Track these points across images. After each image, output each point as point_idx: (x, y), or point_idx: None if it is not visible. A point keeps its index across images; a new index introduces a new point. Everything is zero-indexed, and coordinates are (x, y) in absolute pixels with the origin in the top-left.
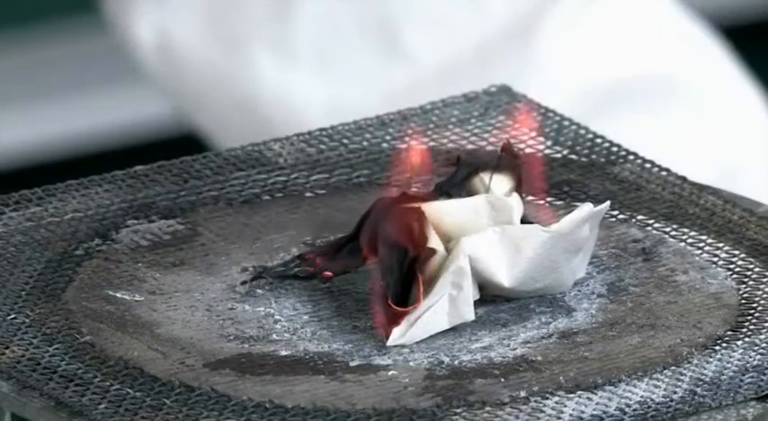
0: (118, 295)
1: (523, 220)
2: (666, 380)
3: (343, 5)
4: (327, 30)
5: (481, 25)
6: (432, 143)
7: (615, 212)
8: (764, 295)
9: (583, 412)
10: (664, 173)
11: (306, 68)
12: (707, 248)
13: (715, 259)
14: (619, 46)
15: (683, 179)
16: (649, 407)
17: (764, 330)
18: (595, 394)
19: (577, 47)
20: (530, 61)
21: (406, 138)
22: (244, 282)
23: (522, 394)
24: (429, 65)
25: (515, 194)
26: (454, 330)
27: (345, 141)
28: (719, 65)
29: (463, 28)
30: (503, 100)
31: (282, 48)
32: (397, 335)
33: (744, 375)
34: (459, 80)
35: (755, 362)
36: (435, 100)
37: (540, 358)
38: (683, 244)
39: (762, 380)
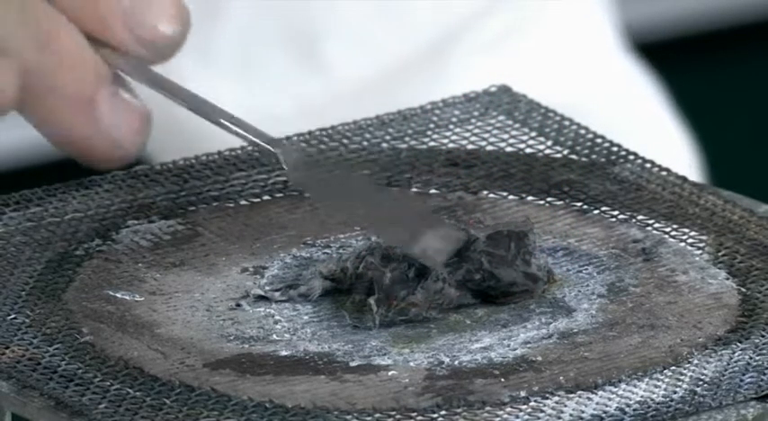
0: (118, 295)
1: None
2: (666, 380)
3: (267, 12)
4: (249, 37)
5: (401, 44)
6: (432, 143)
7: (615, 212)
8: (764, 295)
9: (583, 412)
10: (664, 173)
11: (225, 75)
12: (707, 248)
13: (715, 259)
14: (534, 76)
15: (684, 179)
16: (649, 407)
17: (764, 330)
18: (595, 394)
19: (491, 73)
20: (444, 83)
21: None
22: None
23: (522, 394)
24: (345, 78)
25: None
26: (454, 330)
27: (345, 141)
28: (635, 100)
29: (383, 44)
30: (503, 100)
31: (205, 52)
32: None
33: (744, 375)
34: (373, 96)
35: (755, 362)
36: (351, 114)
37: (540, 358)
38: (683, 244)
39: (762, 380)
